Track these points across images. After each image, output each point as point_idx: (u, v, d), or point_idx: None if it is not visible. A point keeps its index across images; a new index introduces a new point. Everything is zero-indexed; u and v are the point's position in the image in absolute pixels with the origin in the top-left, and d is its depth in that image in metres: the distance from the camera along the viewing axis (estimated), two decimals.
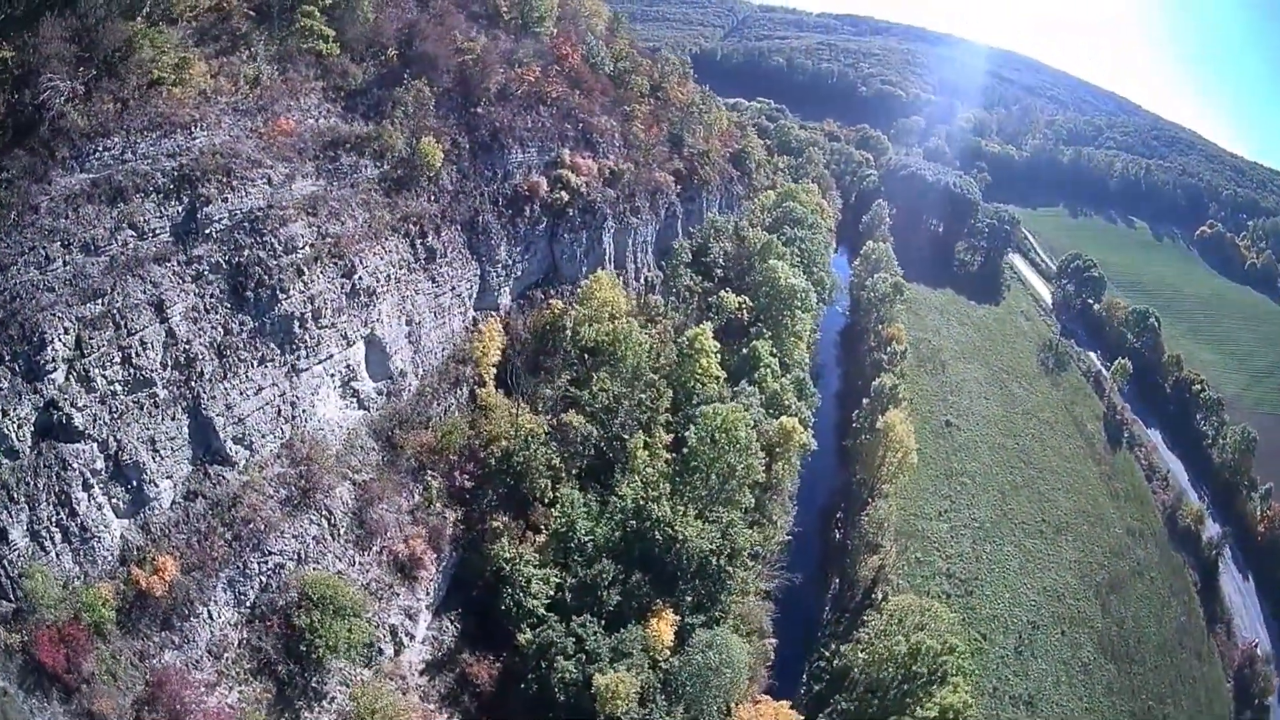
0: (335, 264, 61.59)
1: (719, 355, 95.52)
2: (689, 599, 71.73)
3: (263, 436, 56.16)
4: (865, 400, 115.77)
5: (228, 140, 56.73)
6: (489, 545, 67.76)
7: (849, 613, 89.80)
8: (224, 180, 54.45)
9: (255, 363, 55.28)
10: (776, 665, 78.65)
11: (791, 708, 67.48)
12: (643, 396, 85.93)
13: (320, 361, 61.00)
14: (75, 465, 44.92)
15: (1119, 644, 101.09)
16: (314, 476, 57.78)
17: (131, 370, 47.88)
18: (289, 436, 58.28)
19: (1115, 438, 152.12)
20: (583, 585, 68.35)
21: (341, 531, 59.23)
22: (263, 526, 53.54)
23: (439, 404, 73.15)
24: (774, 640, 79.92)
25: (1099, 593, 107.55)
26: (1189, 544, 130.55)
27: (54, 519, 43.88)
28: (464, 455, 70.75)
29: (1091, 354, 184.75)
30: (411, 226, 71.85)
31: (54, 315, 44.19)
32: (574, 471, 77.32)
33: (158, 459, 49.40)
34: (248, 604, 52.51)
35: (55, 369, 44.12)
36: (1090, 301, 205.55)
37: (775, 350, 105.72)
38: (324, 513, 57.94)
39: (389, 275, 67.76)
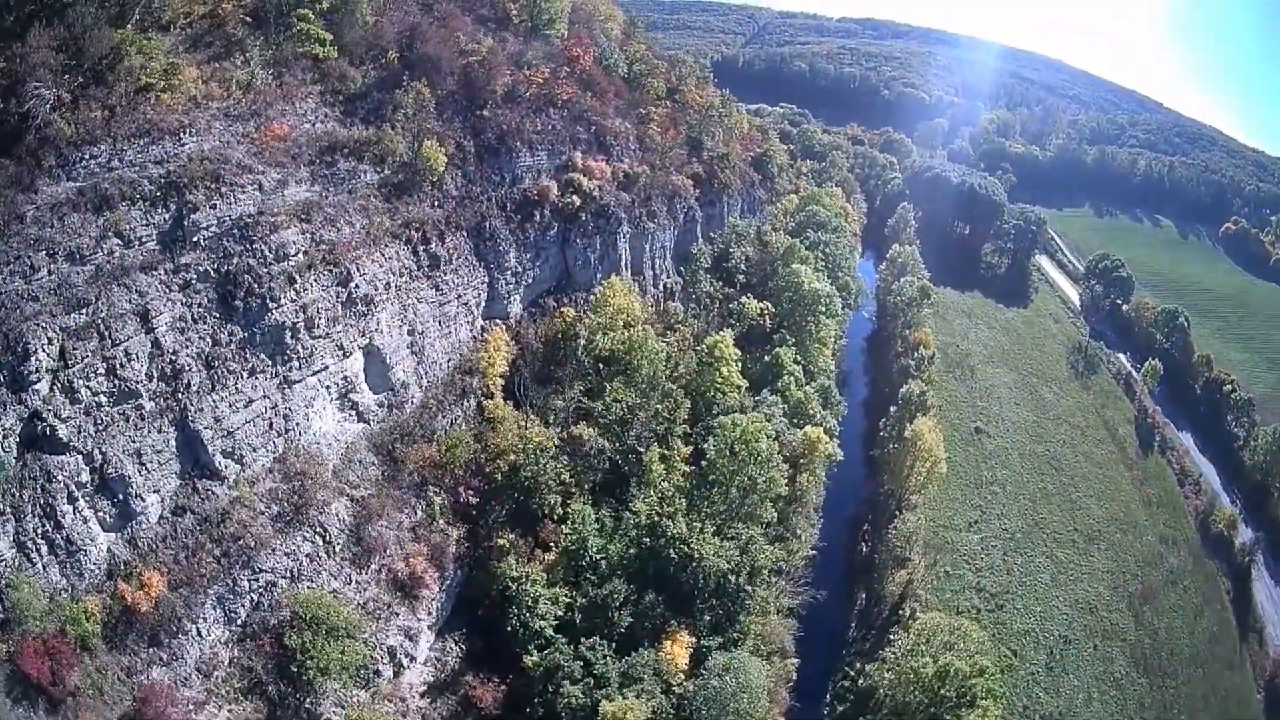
0: (330, 272, 59.54)
1: (740, 363, 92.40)
2: (706, 619, 68.40)
3: (253, 450, 54.25)
4: (893, 408, 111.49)
5: (217, 146, 55.18)
6: (495, 563, 64.84)
7: (875, 630, 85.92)
8: (212, 187, 52.97)
9: (245, 374, 53.52)
10: (799, 686, 74.88)
11: None
12: (659, 407, 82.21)
13: (315, 373, 58.93)
14: (60, 477, 44.28)
15: (1151, 657, 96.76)
16: (308, 492, 55.71)
17: (116, 381, 46.96)
18: (281, 450, 56.26)
19: (1147, 441, 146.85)
20: (593, 605, 65.26)
21: (337, 549, 56.95)
22: (253, 543, 51.67)
23: (444, 416, 70.56)
24: (796, 660, 76.03)
25: (1132, 604, 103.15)
26: (1222, 550, 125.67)
27: (40, 531, 43.41)
28: (469, 470, 68.00)
29: (1121, 356, 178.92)
30: (413, 233, 69.55)
31: (38, 325, 43.83)
32: (586, 486, 74.07)
33: (144, 472, 48.12)
34: (238, 622, 50.82)
35: (39, 380, 43.65)
36: (1119, 302, 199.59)
37: (799, 358, 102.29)
38: (318, 529, 55.75)
39: (389, 283, 65.56)
